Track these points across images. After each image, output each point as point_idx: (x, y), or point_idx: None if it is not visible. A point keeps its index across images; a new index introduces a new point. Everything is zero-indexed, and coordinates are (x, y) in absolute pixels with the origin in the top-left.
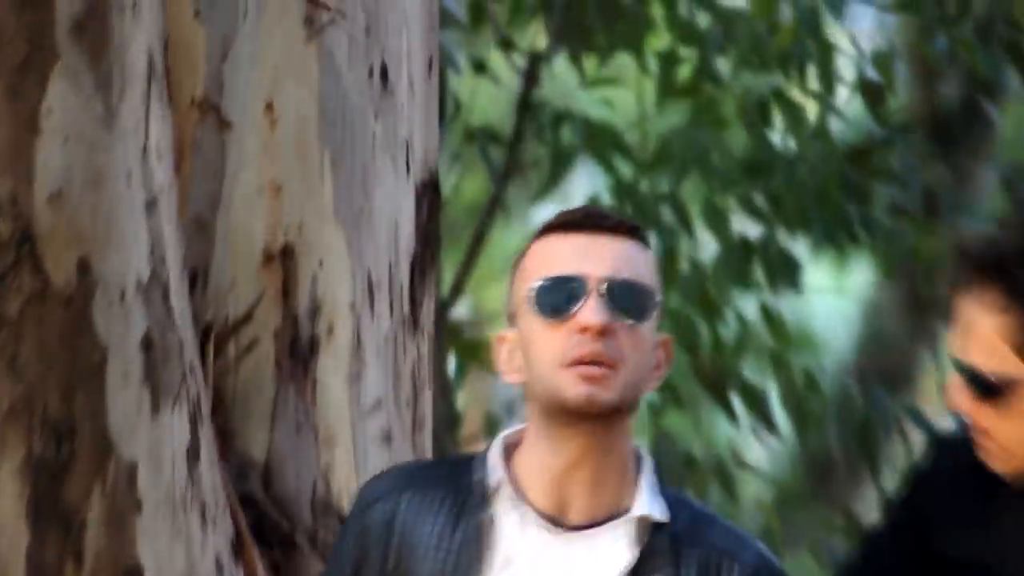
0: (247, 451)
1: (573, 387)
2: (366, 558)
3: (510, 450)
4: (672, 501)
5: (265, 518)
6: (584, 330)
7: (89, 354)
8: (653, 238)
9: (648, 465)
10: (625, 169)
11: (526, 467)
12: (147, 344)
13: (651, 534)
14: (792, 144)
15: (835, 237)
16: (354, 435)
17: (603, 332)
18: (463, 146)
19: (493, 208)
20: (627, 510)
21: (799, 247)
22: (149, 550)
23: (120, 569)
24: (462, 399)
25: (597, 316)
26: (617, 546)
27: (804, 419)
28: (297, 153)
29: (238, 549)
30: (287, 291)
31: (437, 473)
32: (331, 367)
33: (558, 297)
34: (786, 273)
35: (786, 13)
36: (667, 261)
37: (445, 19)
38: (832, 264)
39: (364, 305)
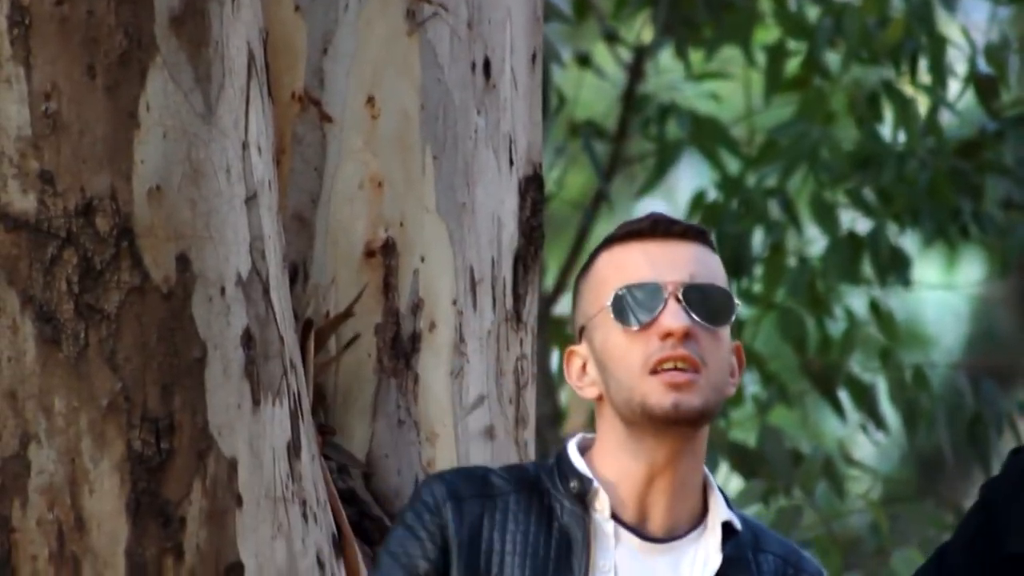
0: (348, 447)
1: (660, 395)
2: (449, 561)
3: (583, 456)
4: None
5: (366, 514)
6: (667, 335)
7: (189, 349)
8: (760, 233)
9: (711, 476)
10: (732, 163)
11: (604, 477)
12: (247, 339)
13: (726, 541)
14: (902, 138)
15: (946, 232)
16: (456, 431)
17: (686, 336)
18: (567, 140)
19: (597, 203)
20: (701, 520)
21: (909, 242)
22: (250, 546)
23: (221, 565)
24: (565, 395)
25: (679, 320)
26: (704, 552)
27: (913, 415)
28: (399, 147)
29: (339, 545)
30: (388, 286)
31: (511, 479)
32: (433, 363)
33: (638, 304)
34: (895, 268)
35: (897, 5)
36: (774, 256)
37: (549, 12)
38: (942, 259)
39: (466, 300)
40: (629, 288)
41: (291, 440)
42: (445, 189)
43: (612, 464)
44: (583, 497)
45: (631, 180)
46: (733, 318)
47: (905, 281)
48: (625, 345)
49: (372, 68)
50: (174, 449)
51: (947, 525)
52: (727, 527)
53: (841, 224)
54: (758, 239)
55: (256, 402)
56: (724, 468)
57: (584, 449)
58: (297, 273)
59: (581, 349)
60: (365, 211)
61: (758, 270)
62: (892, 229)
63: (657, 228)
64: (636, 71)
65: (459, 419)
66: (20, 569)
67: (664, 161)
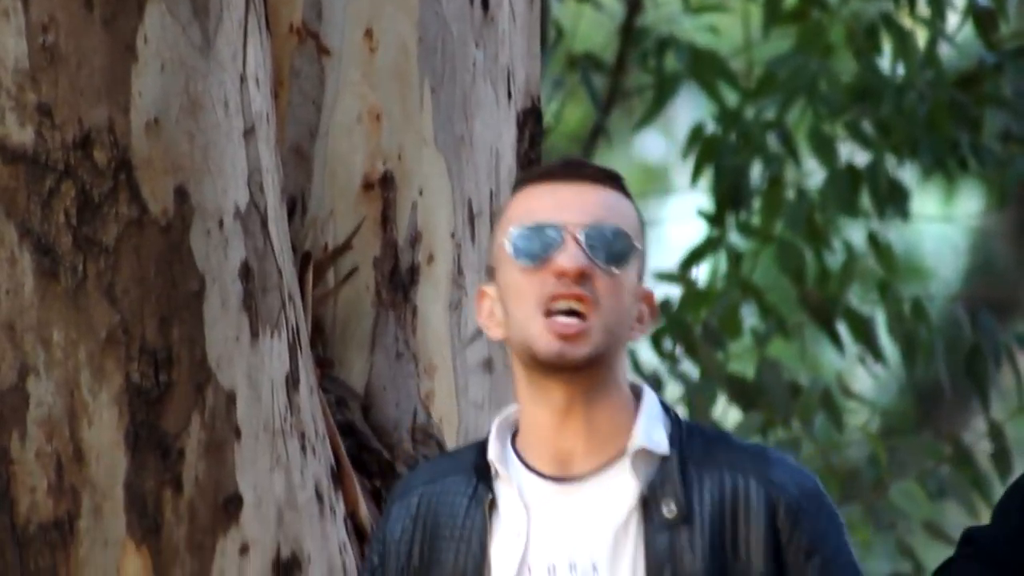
0: (347, 379)
1: (547, 341)
2: (386, 560)
3: (518, 423)
4: (685, 431)
5: (365, 446)
6: (561, 274)
7: (187, 282)
8: (759, 165)
9: (649, 400)
10: (730, 96)
11: (524, 430)
12: (245, 272)
13: (657, 466)
14: (901, 70)
15: (944, 164)
16: (454, 363)
17: (580, 276)
18: (565, 73)
19: (595, 136)
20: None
21: (907, 174)
22: (248, 478)
23: (219, 497)
24: None
25: (574, 260)
26: (621, 483)
27: (911, 348)
28: (397, 80)
29: (338, 477)
30: (386, 219)
31: (458, 458)
32: (431, 295)
33: (535, 243)
34: (894, 201)
35: None
36: (773, 189)
37: None
38: (941, 191)
39: (464, 233)
40: (530, 227)
41: (289, 373)
42: (443, 122)
43: (525, 415)
44: (487, 468)
45: (629, 113)
46: (636, 263)
47: (903, 213)
48: (522, 283)
49: (370, 1)
50: (172, 382)
51: (945, 457)
52: (649, 453)
53: (840, 156)
54: (757, 172)
55: (254, 335)
56: (722, 400)
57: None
58: (295, 206)
59: (490, 289)
60: (363, 144)
61: (756, 203)
62: (890, 161)
63: (568, 171)
64: (634, 3)
65: (457, 352)
66: (19, 501)
67: (662, 94)
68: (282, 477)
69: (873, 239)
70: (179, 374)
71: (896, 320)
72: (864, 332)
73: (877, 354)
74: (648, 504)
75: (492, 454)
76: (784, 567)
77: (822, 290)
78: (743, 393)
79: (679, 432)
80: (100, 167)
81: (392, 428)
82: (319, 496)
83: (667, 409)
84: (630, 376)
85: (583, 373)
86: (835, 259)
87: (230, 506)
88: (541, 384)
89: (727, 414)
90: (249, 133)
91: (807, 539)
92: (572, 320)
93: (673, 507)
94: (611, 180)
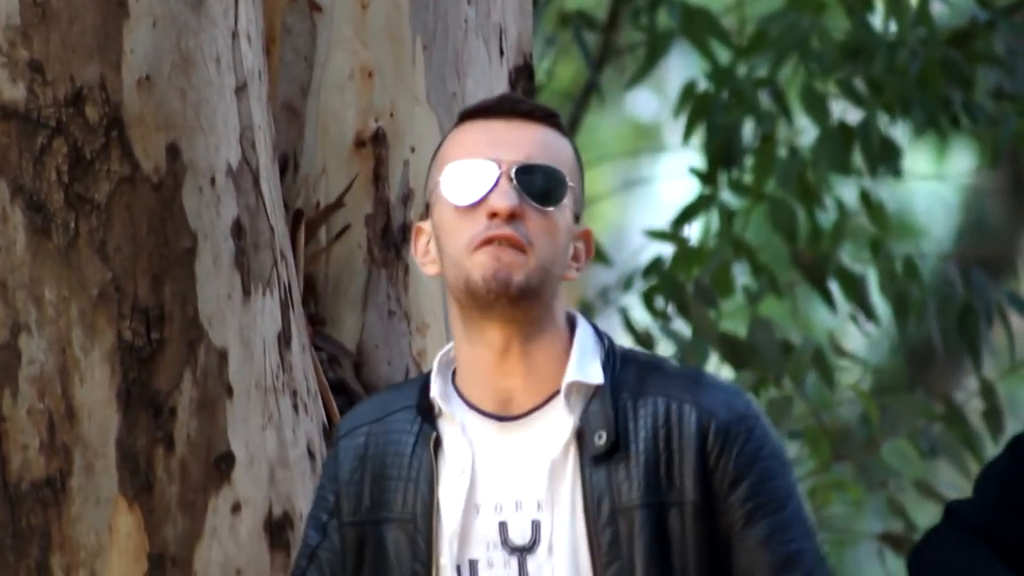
0: (339, 337)
1: (480, 271)
2: (339, 499)
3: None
4: (620, 361)
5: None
6: (494, 215)
7: (179, 240)
8: (751, 123)
9: (583, 332)
10: (722, 54)
11: (461, 370)
12: (237, 230)
13: (590, 398)
14: (893, 28)
15: (936, 122)
16: (446, 321)
17: (513, 216)
18: (557, 30)
19: (587, 93)
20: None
21: (899, 132)
22: (240, 436)
23: (211, 455)
24: None
25: (506, 200)
26: (558, 419)
27: (903, 306)
28: (389, 37)
29: (330, 435)
30: (379, 177)
31: (403, 395)
32: None
33: (469, 182)
34: (886, 159)
35: None
36: (765, 147)
37: None
38: (933, 150)
39: None
40: (463, 165)
41: (281, 330)
42: (435, 79)
43: (463, 354)
44: (433, 406)
45: (621, 71)
46: (570, 202)
47: (896, 171)
48: (455, 222)
49: None
50: (164, 339)
51: (936, 415)
52: (583, 386)
53: (832, 114)
54: (748, 130)
55: (246, 292)
56: (714, 359)
57: None
58: (287, 163)
59: (426, 226)
60: (355, 101)
61: (748, 161)
62: (883, 119)
63: (503, 107)
64: None
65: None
66: (11, 459)
67: (654, 51)
68: (274, 435)
69: (865, 197)
70: (171, 332)
71: (888, 278)
72: (856, 290)
73: (869, 313)
74: (582, 436)
75: (435, 392)
76: (711, 495)
77: (814, 248)
78: (735, 352)
79: (612, 361)
80: (92, 124)
81: (384, 386)
82: (311, 454)
83: (601, 337)
84: (611, 327)
85: (519, 308)
86: (827, 217)
87: (222, 464)
88: (478, 324)
89: (719, 372)
90: (241, 90)
91: (733, 465)
92: (506, 250)
93: (603, 435)
94: (547, 118)
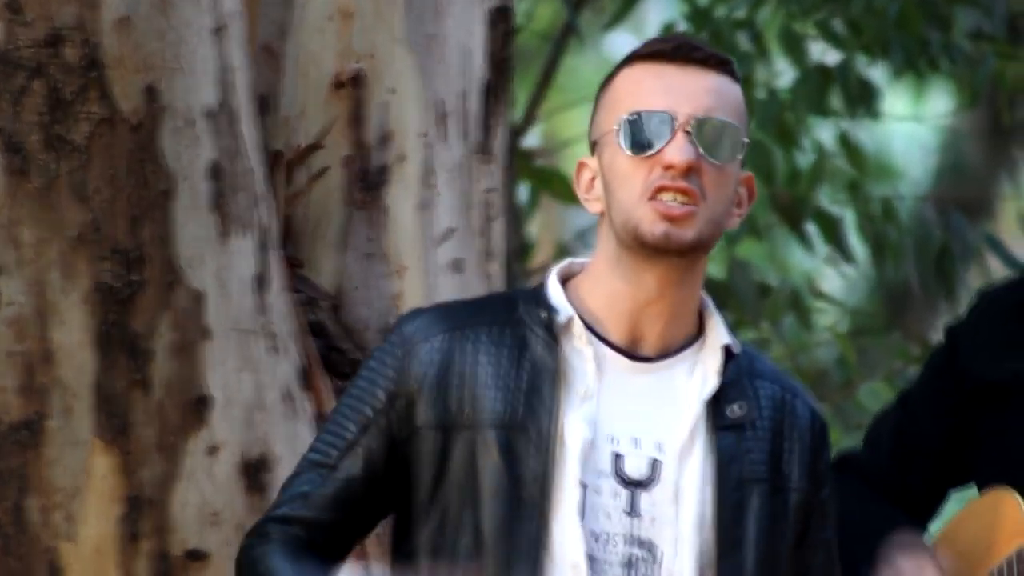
0: (317, 279)
1: (652, 224)
2: (412, 402)
3: (566, 284)
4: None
5: (334, 347)
6: (669, 167)
7: (157, 181)
8: None
9: (709, 300)
10: None
11: (595, 300)
12: (215, 171)
13: (726, 363)
14: None
15: (915, 63)
16: (425, 264)
17: (688, 171)
18: None
19: (566, 35)
20: (696, 339)
21: (878, 74)
22: (217, 378)
23: (188, 397)
24: (534, 228)
25: (683, 154)
26: (699, 374)
27: (881, 248)
28: None
29: (307, 378)
30: (357, 118)
31: (486, 311)
32: (401, 195)
33: (645, 132)
34: (864, 100)
35: None
36: (743, 88)
37: None
38: (911, 91)
39: (435, 133)
40: (639, 114)
41: (259, 273)
42: (414, 20)
43: (605, 286)
44: (552, 327)
45: (600, 12)
46: (742, 155)
47: (874, 113)
48: (629, 169)
49: None
50: (142, 281)
51: (914, 358)
52: (727, 351)
53: (810, 56)
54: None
55: (224, 234)
56: None
57: (571, 276)
58: (266, 105)
59: (592, 162)
60: (334, 42)
61: None
62: (861, 61)
63: (679, 52)
64: None
65: (428, 252)
66: None
67: None
68: (251, 377)
69: (843, 139)
70: (149, 274)
71: (866, 220)
72: (834, 232)
73: (846, 255)
74: (718, 401)
75: (564, 314)
76: (810, 489)
77: (792, 190)
78: (713, 293)
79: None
80: (70, 65)
81: (362, 328)
82: (288, 397)
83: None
84: None
85: (683, 258)
86: (805, 159)
87: (199, 406)
88: (636, 266)
89: None
90: (220, 31)
91: (823, 467)
92: (679, 203)
93: (743, 407)
94: (721, 65)
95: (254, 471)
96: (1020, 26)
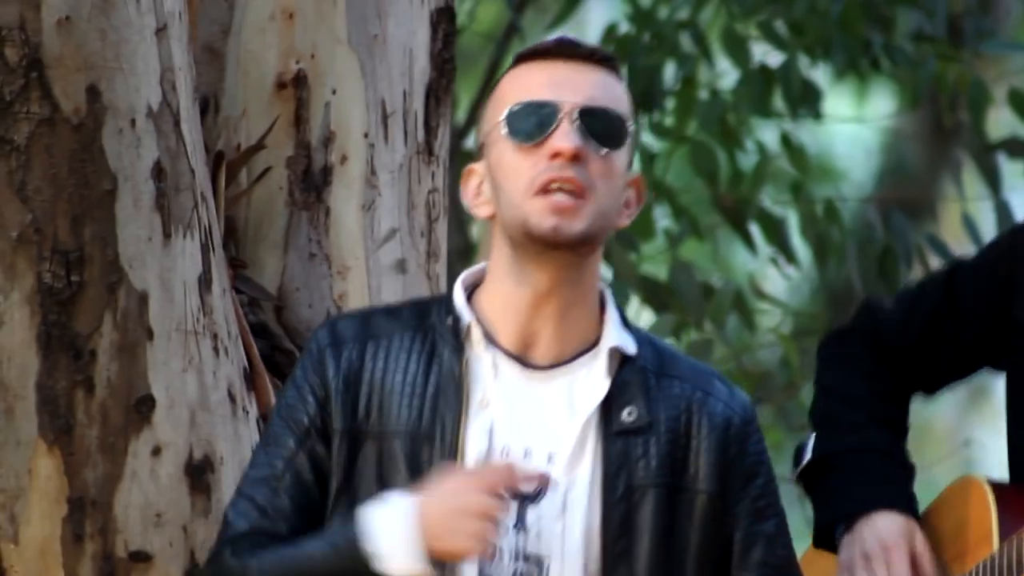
0: (259, 280)
1: (541, 217)
2: (327, 405)
3: (470, 291)
4: (636, 336)
5: (278, 347)
6: (556, 155)
7: (99, 182)
8: (672, 66)
9: (611, 300)
10: None
11: (490, 305)
12: (158, 172)
13: (620, 367)
14: None
15: (857, 65)
16: (367, 264)
17: (575, 157)
18: None
19: (509, 35)
20: (594, 345)
21: (820, 75)
22: (160, 379)
23: (131, 398)
24: (477, 229)
25: (570, 141)
26: (591, 379)
27: (824, 249)
28: None
29: (250, 379)
30: (300, 119)
31: (399, 318)
32: (344, 196)
33: (531, 122)
34: (807, 101)
35: None
36: (686, 89)
37: None
38: (854, 92)
39: (378, 133)
40: (524, 105)
41: (202, 273)
42: (357, 20)
43: (499, 290)
44: (458, 333)
45: (543, 13)
46: (628, 146)
47: (816, 114)
48: (515, 163)
49: None
50: (85, 282)
51: None
52: (618, 353)
53: (753, 57)
54: (670, 72)
55: (167, 235)
56: (635, 302)
57: (479, 281)
58: (208, 105)
59: (479, 167)
60: (276, 42)
61: (670, 103)
62: (803, 62)
63: (563, 49)
64: None
65: (371, 252)
66: None
67: None
68: (194, 378)
69: (786, 140)
70: (91, 274)
71: (808, 221)
72: (777, 233)
73: (789, 255)
74: (610, 405)
75: (464, 320)
76: (726, 488)
77: (735, 191)
78: (656, 295)
79: (638, 337)
80: (11, 65)
81: (305, 329)
82: (232, 397)
83: (621, 312)
84: None
85: (572, 253)
86: (748, 160)
87: (142, 407)
88: (526, 265)
89: (640, 316)
90: (161, 31)
91: (748, 462)
92: (567, 197)
93: (633, 412)
94: (605, 61)
95: (198, 472)
96: (961, 27)
